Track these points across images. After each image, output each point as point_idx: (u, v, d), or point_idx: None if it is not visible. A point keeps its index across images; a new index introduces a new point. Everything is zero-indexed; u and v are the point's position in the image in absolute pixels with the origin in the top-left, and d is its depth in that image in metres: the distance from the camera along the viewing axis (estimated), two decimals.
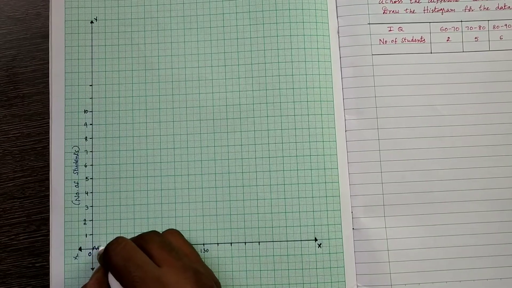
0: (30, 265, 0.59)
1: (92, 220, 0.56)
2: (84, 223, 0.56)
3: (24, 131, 0.60)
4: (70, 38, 0.58)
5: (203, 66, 0.57)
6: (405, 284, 0.55)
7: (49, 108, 0.57)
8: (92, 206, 0.56)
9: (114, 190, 0.56)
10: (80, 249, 0.55)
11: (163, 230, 0.55)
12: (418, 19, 0.58)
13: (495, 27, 0.58)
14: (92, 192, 0.56)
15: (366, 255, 0.55)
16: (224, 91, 0.57)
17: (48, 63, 0.58)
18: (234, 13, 0.58)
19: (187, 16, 0.58)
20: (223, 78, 0.57)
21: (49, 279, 0.55)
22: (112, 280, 0.48)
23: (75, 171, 0.56)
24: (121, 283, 0.46)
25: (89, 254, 0.55)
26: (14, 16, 0.62)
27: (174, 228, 0.55)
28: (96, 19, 0.58)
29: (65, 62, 0.57)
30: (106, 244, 0.49)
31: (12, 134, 0.60)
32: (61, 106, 0.57)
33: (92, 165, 0.56)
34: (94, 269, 0.54)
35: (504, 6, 0.58)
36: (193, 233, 0.55)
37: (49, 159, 0.56)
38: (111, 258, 0.47)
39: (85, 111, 0.57)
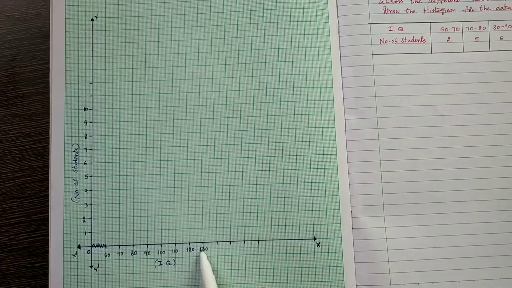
0: (30, 265, 0.59)
1: (91, 217, 0.55)
2: (83, 221, 0.55)
3: (24, 131, 0.60)
4: (70, 35, 0.58)
5: (203, 64, 0.57)
6: (404, 284, 0.55)
7: (49, 108, 0.57)
8: (91, 204, 0.56)
9: (113, 188, 0.56)
10: (79, 246, 0.55)
11: (162, 228, 0.55)
12: (419, 19, 0.58)
13: (496, 27, 0.58)
14: (91, 190, 0.56)
15: (365, 254, 0.55)
16: (224, 90, 0.57)
17: (48, 63, 0.58)
18: (235, 11, 0.58)
19: (188, 14, 0.58)
20: (223, 77, 0.57)
21: (48, 279, 0.55)
22: None
23: (75, 169, 0.56)
24: None
25: (88, 251, 0.55)
26: (14, 16, 0.62)
27: (173, 226, 0.55)
28: (96, 17, 0.58)
29: (65, 59, 0.57)
30: None
31: (12, 134, 0.60)
32: (61, 103, 0.57)
33: (91, 162, 0.56)
34: None
35: (505, 7, 0.58)
36: (193, 231, 0.55)
37: (48, 159, 0.56)
38: None
39: (85, 109, 0.57)
